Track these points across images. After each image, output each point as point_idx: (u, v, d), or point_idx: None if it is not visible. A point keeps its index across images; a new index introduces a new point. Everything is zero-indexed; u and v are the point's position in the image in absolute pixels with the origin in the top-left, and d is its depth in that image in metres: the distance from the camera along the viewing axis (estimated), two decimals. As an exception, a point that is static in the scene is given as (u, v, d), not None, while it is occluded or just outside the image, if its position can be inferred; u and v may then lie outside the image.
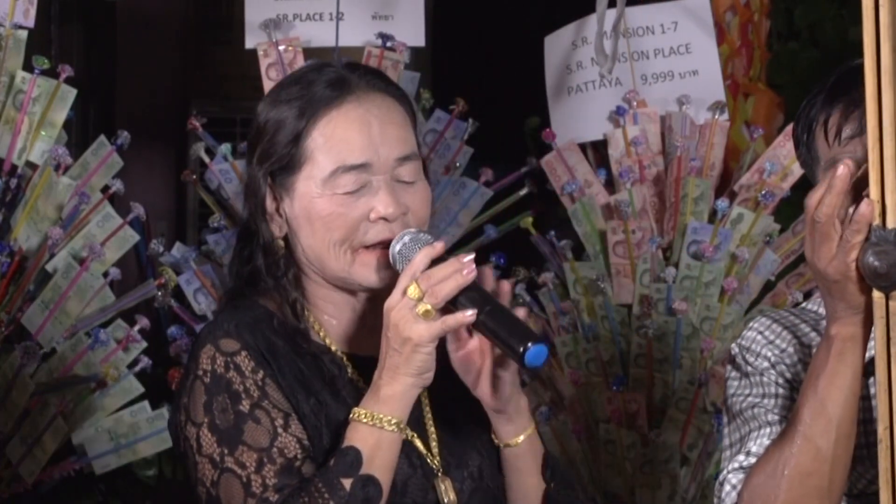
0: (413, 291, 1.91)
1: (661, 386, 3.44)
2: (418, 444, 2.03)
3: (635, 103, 3.58)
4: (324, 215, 2.01)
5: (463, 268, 1.92)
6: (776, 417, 2.09)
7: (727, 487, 2.07)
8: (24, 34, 3.22)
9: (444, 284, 1.91)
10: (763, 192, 3.43)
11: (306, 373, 2.02)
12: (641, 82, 3.62)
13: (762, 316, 2.20)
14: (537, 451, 2.07)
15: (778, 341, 2.15)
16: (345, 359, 2.05)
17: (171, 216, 6.19)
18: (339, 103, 2.03)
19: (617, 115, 3.59)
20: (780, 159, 3.51)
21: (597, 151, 3.68)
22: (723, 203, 3.42)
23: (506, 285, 2.00)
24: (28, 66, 3.22)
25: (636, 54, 3.62)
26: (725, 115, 3.58)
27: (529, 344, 1.85)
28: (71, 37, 5.76)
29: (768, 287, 3.56)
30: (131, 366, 3.29)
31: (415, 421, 2.01)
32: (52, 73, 3.25)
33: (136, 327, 3.29)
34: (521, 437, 2.04)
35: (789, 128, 3.54)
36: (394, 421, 1.94)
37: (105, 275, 3.27)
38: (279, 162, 2.07)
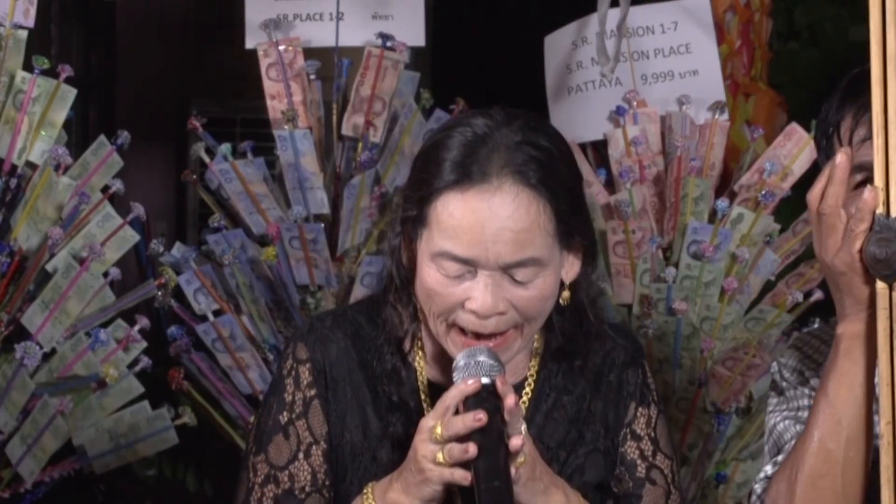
0: (438, 432, 1.88)
1: (661, 386, 3.44)
2: None
3: (635, 103, 3.58)
4: (426, 286, 1.97)
5: (467, 424, 1.85)
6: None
7: (752, 498, 2.06)
8: (24, 34, 3.22)
9: (455, 449, 1.85)
10: (763, 192, 3.43)
11: (376, 395, 2.03)
12: (641, 82, 3.62)
13: (799, 332, 2.19)
14: None
15: (815, 356, 2.13)
16: (426, 390, 2.04)
17: (171, 216, 6.19)
18: (468, 186, 1.92)
19: (617, 115, 3.59)
20: (780, 159, 3.51)
21: (597, 151, 3.68)
22: (723, 203, 3.42)
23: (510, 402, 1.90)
24: (28, 66, 3.22)
25: (636, 54, 3.62)
26: (725, 115, 3.58)
27: None
28: (71, 37, 5.75)
29: (768, 287, 3.56)
30: (131, 366, 3.29)
31: None
32: (52, 73, 3.25)
33: (136, 327, 3.29)
34: None
35: (789, 128, 3.55)
36: None
37: (105, 275, 3.27)
38: (410, 213, 1.99)
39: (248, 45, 3.49)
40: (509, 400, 1.87)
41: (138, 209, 3.37)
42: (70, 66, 3.28)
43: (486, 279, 1.93)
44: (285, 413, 2.03)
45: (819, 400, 1.91)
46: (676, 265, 3.44)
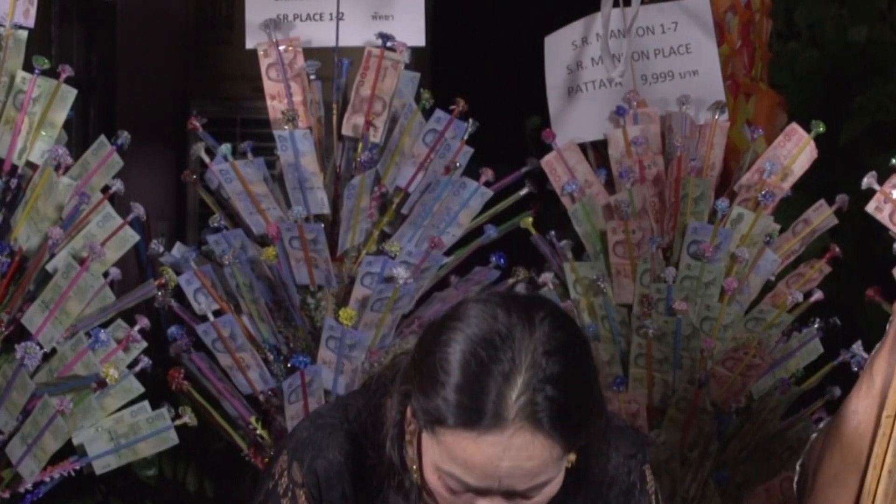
0: None
1: (661, 386, 3.44)
2: None
3: (635, 103, 3.58)
4: (430, 484, 1.91)
5: None
6: None
7: (807, 446, 2.04)
8: (24, 34, 3.22)
9: None
10: (763, 192, 3.43)
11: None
12: (641, 82, 3.62)
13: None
14: None
15: None
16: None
17: (171, 216, 6.18)
18: (481, 431, 1.81)
19: (617, 115, 3.59)
20: (780, 159, 3.50)
21: (597, 151, 3.68)
22: (723, 203, 3.42)
23: None
24: (28, 66, 3.22)
25: (636, 54, 3.62)
26: (725, 115, 3.58)
27: None
28: (71, 37, 5.75)
29: (768, 287, 3.56)
30: (131, 366, 3.29)
31: None
32: (52, 73, 3.24)
33: (136, 327, 3.28)
34: None
35: (789, 128, 3.55)
36: None
37: (105, 275, 3.27)
38: (418, 410, 1.89)
39: (248, 45, 3.49)
40: None
41: (138, 209, 3.37)
42: (70, 66, 3.28)
43: (492, 501, 1.87)
44: None
45: (864, 372, 1.90)
46: (676, 265, 3.44)
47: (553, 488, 1.91)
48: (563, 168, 3.59)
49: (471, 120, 3.50)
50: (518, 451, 1.81)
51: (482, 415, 1.80)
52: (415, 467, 1.94)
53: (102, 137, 3.37)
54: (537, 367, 1.81)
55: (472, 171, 3.50)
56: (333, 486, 1.99)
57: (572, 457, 1.94)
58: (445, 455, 1.85)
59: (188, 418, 3.33)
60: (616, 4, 3.55)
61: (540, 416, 1.80)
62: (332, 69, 3.47)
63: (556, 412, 1.82)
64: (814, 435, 2.06)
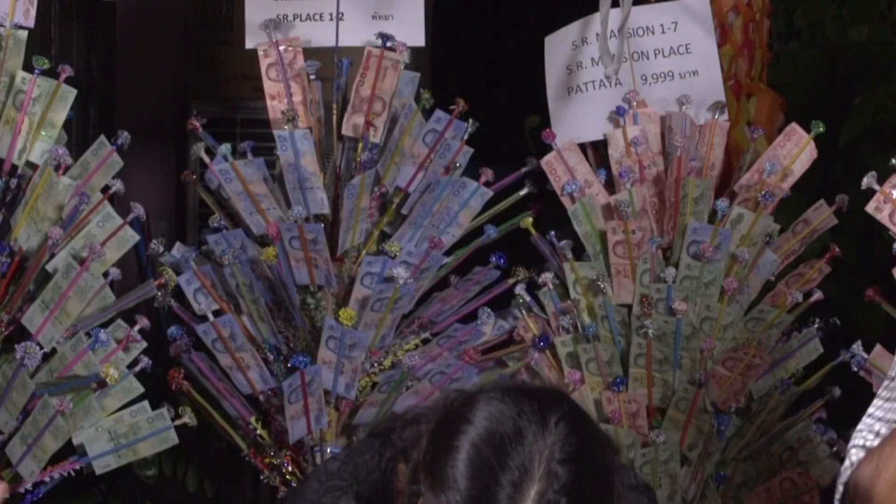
0: None
1: (661, 386, 3.44)
2: None
3: (635, 103, 3.58)
4: None
5: None
6: None
7: (846, 463, 2.00)
8: (24, 34, 3.22)
9: None
10: (763, 192, 3.43)
11: None
12: (641, 82, 3.62)
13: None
14: None
15: None
16: None
17: (171, 216, 6.18)
18: None
19: (617, 115, 3.59)
20: (780, 159, 3.50)
21: (597, 151, 3.68)
22: (723, 203, 3.42)
23: None
24: (28, 66, 3.22)
25: (636, 54, 3.62)
26: (725, 116, 3.58)
27: None
28: (71, 37, 5.75)
29: (768, 287, 3.56)
30: (131, 366, 3.29)
31: None
32: (52, 73, 3.25)
33: (136, 327, 3.28)
34: None
35: (789, 128, 3.55)
36: None
37: (105, 275, 3.27)
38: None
39: (248, 45, 3.49)
40: None
41: (138, 209, 3.37)
42: (70, 66, 3.28)
43: None
44: None
45: None
46: (676, 265, 3.44)
47: None
48: (563, 168, 3.59)
49: (471, 120, 3.50)
50: None
51: None
52: None
53: (102, 137, 3.37)
54: (551, 476, 1.72)
55: (472, 171, 3.50)
56: None
57: None
58: None
59: (188, 418, 3.33)
60: (616, 4, 3.55)
61: None
62: (332, 69, 3.47)
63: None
64: (849, 463, 2.02)
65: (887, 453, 1.90)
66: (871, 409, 2.10)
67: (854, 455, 2.03)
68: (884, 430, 2.01)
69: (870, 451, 1.95)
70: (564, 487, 1.71)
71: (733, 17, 3.95)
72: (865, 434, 2.03)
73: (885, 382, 2.11)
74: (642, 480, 2.14)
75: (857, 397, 2.63)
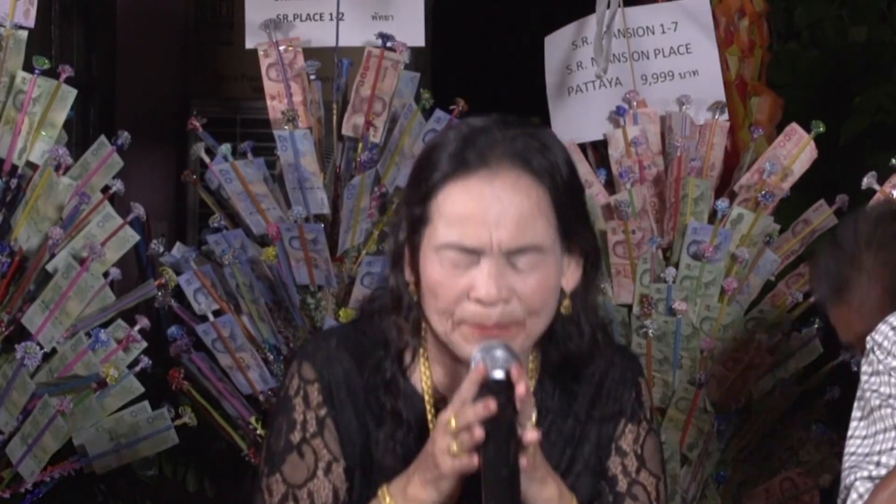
0: (452, 424, 1.87)
1: (661, 386, 3.44)
2: None
3: (635, 103, 3.58)
4: (431, 281, 1.95)
5: (478, 414, 1.83)
6: None
7: (854, 496, 2.01)
8: (24, 34, 3.22)
9: (464, 436, 1.84)
10: (763, 192, 3.43)
11: (381, 416, 2.01)
12: (641, 82, 3.62)
13: None
14: None
15: None
16: (432, 402, 2.02)
17: (171, 216, 6.18)
18: (465, 176, 1.93)
19: (617, 115, 3.59)
20: (780, 159, 3.50)
21: (597, 151, 3.68)
22: (723, 203, 3.42)
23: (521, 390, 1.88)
24: (28, 66, 3.22)
25: (636, 54, 3.62)
26: (725, 116, 3.58)
27: None
28: (71, 37, 5.75)
29: (768, 287, 3.56)
30: (131, 366, 3.29)
31: None
32: (52, 73, 3.25)
33: (136, 327, 3.29)
34: None
35: (789, 128, 3.55)
36: None
37: (105, 275, 3.27)
38: (413, 213, 1.98)
39: (248, 45, 3.49)
40: (520, 388, 1.85)
41: (138, 209, 3.37)
42: (70, 66, 3.28)
43: (489, 268, 1.92)
44: (297, 432, 2.01)
45: None
46: (676, 265, 3.44)
47: (546, 276, 1.94)
48: (563, 168, 3.59)
49: (471, 120, 3.49)
50: (505, 191, 1.91)
51: (467, 159, 1.92)
52: (413, 288, 1.99)
53: (102, 137, 3.38)
54: (522, 131, 1.97)
55: (472, 171, 3.49)
56: (346, 384, 2.02)
57: (567, 303, 2.01)
58: (439, 227, 1.93)
59: (188, 418, 3.34)
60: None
61: (522, 153, 1.93)
62: (332, 69, 3.48)
63: (538, 153, 1.94)
64: (857, 496, 2.03)
65: None
66: (856, 432, 2.11)
67: (861, 486, 2.03)
68: (884, 459, 2.02)
69: (883, 480, 1.96)
70: (533, 135, 1.97)
71: (738, 19, 3.95)
72: (864, 465, 2.04)
73: (859, 402, 2.12)
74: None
75: (857, 397, 2.63)
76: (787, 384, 3.49)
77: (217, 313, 3.34)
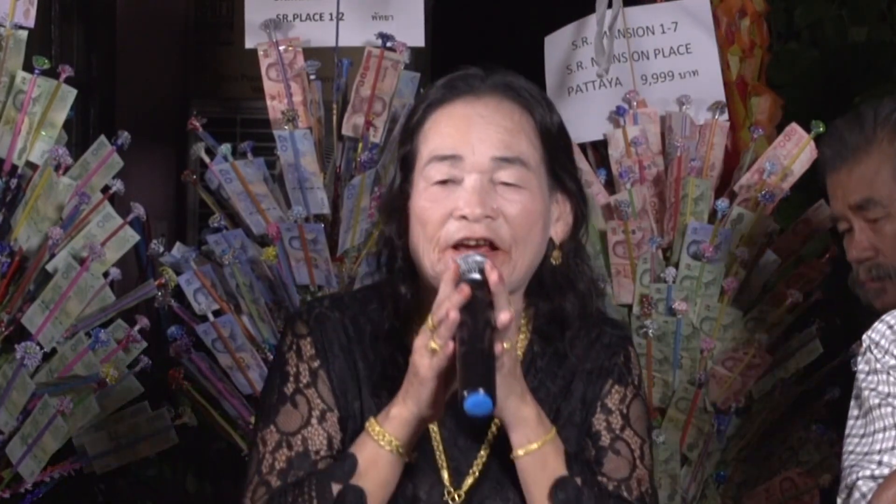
0: (430, 322, 1.91)
1: (661, 386, 3.44)
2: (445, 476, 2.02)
3: (635, 103, 3.58)
4: (418, 211, 2.00)
5: (454, 301, 1.88)
6: None
7: (857, 495, 2.02)
8: (24, 34, 3.22)
9: (440, 322, 1.89)
10: (763, 192, 3.43)
11: (382, 371, 2.04)
12: (641, 82, 3.62)
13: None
14: (548, 470, 2.00)
15: None
16: None
17: (171, 216, 6.18)
18: (450, 101, 2.04)
19: (617, 115, 3.59)
20: (780, 159, 3.50)
21: (597, 151, 3.68)
22: (723, 203, 3.42)
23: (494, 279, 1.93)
24: (28, 66, 3.22)
25: (636, 54, 3.62)
26: (725, 116, 3.58)
27: (466, 392, 1.81)
28: (71, 37, 5.75)
29: (768, 287, 3.56)
30: (131, 366, 3.29)
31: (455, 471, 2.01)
32: (52, 73, 3.25)
33: (136, 327, 3.29)
34: (521, 451, 1.99)
35: (789, 128, 3.55)
36: (393, 442, 1.95)
37: (105, 275, 3.27)
38: (403, 152, 2.06)
39: (248, 45, 3.49)
40: (493, 277, 1.89)
41: (138, 209, 3.37)
42: (70, 66, 3.28)
43: (473, 182, 1.97)
44: (290, 384, 2.03)
45: None
46: (676, 265, 3.44)
47: (530, 199, 1.99)
48: (563, 168, 3.59)
49: (471, 120, 3.49)
50: (487, 109, 2.01)
51: (455, 86, 2.05)
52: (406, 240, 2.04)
53: (102, 137, 3.37)
54: (508, 75, 2.09)
55: (472, 170, 3.50)
56: (337, 339, 2.05)
57: (557, 254, 2.06)
58: (423, 148, 2.01)
59: (188, 418, 3.34)
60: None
61: (508, 82, 2.06)
62: (332, 69, 3.48)
63: (523, 84, 2.07)
64: (860, 495, 2.03)
65: None
66: (853, 431, 2.11)
67: (864, 486, 2.03)
68: (886, 458, 2.02)
69: (886, 479, 1.96)
70: (521, 79, 2.11)
71: (741, 18, 3.95)
72: (866, 464, 2.04)
73: (856, 401, 2.12)
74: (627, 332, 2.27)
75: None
76: (787, 384, 3.49)
77: (217, 313, 3.34)
